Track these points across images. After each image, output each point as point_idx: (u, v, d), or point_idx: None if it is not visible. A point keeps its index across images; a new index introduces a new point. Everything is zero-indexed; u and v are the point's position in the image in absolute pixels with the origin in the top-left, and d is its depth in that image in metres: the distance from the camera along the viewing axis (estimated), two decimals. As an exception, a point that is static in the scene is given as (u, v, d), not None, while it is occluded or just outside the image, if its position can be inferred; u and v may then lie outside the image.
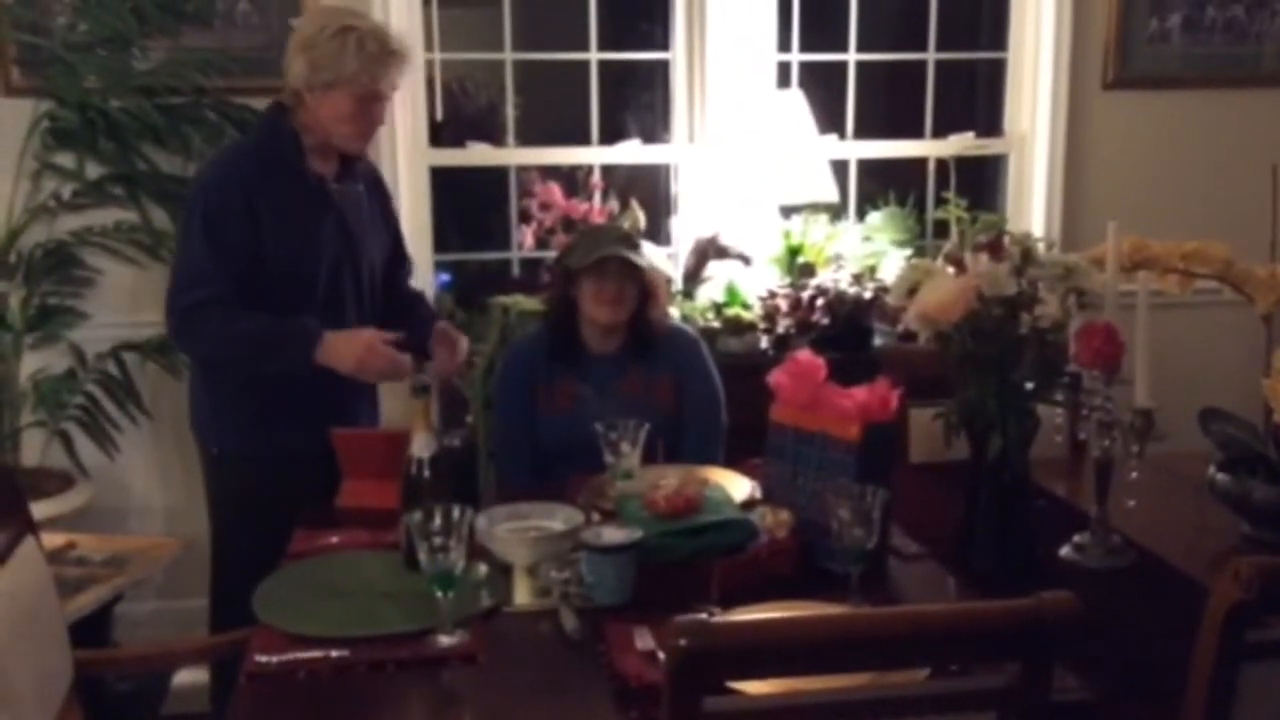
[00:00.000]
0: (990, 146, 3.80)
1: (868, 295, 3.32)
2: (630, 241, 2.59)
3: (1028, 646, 1.32)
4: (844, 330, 3.26)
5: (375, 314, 2.59)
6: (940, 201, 3.60)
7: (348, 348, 2.37)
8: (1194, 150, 3.75)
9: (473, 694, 1.64)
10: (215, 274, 2.38)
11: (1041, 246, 2.02)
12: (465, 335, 2.60)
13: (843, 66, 3.71)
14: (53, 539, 2.70)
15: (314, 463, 2.32)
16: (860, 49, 3.70)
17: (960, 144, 3.74)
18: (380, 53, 2.41)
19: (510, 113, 3.63)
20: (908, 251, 3.57)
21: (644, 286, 2.58)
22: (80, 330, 3.30)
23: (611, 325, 2.58)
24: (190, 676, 2.81)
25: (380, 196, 2.69)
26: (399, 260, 2.76)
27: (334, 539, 2.11)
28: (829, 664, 1.32)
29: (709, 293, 3.45)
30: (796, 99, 3.55)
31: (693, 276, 3.45)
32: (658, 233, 3.64)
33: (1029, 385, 1.97)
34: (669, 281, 3.31)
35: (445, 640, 1.69)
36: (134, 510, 3.39)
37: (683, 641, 1.22)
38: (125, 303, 3.34)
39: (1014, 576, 1.95)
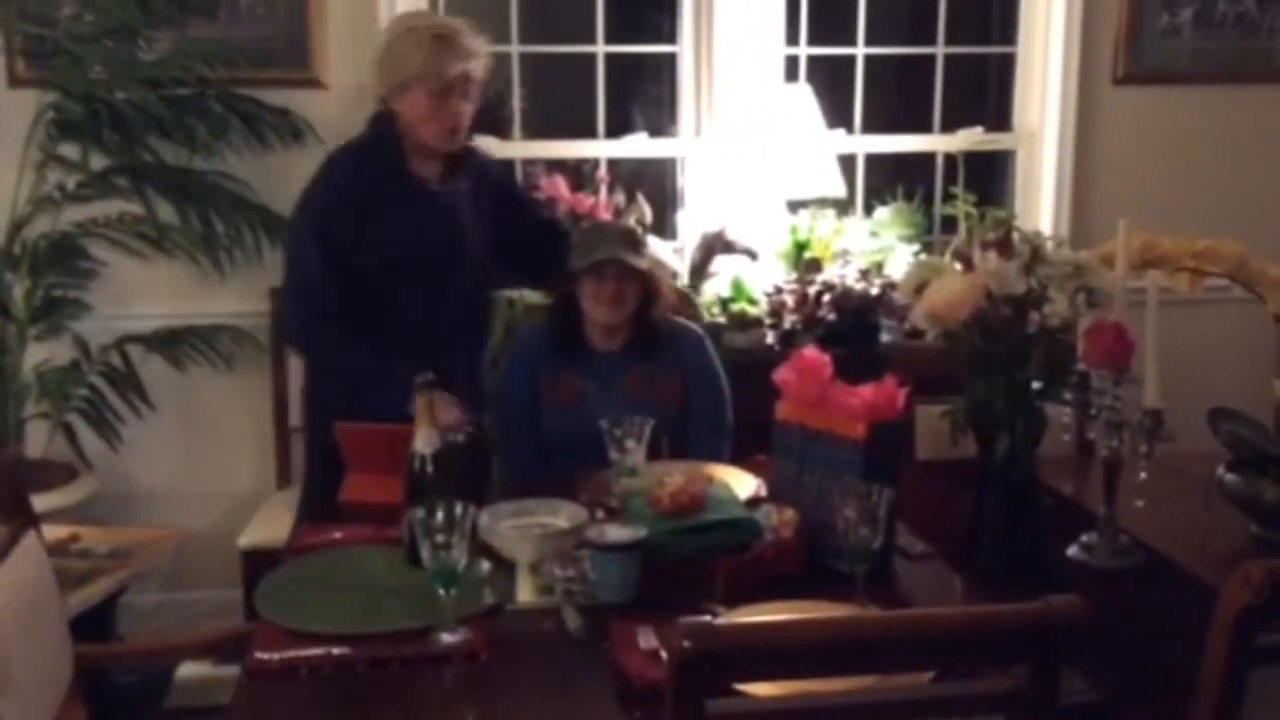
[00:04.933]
0: (999, 142, 3.78)
1: (875, 291, 3.30)
2: (632, 240, 2.58)
3: (1036, 649, 1.30)
4: (851, 326, 3.25)
5: (476, 308, 2.74)
6: (948, 197, 3.59)
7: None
8: (1205, 146, 3.73)
9: (475, 692, 1.63)
10: (327, 282, 2.51)
11: (1050, 244, 2.01)
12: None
13: (851, 60, 3.69)
14: (56, 531, 2.70)
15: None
16: (869, 43, 3.68)
17: (969, 139, 3.72)
18: (434, 43, 2.51)
19: (516, 105, 3.62)
20: (915, 247, 3.56)
21: (646, 286, 2.57)
22: (84, 322, 3.30)
23: (611, 325, 2.57)
24: (194, 670, 2.81)
25: (489, 189, 2.72)
26: (552, 237, 2.78)
27: (337, 534, 2.10)
28: (834, 666, 1.30)
29: (715, 288, 3.44)
30: (804, 93, 3.53)
31: (699, 271, 3.44)
32: (664, 227, 3.63)
33: (1037, 384, 1.95)
34: (675, 276, 3.30)
35: (447, 638, 1.69)
36: (138, 502, 3.38)
37: (686, 643, 1.21)
38: (129, 295, 3.34)
39: (1021, 576, 1.94)
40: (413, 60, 2.50)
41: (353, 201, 2.53)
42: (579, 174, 3.56)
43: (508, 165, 3.05)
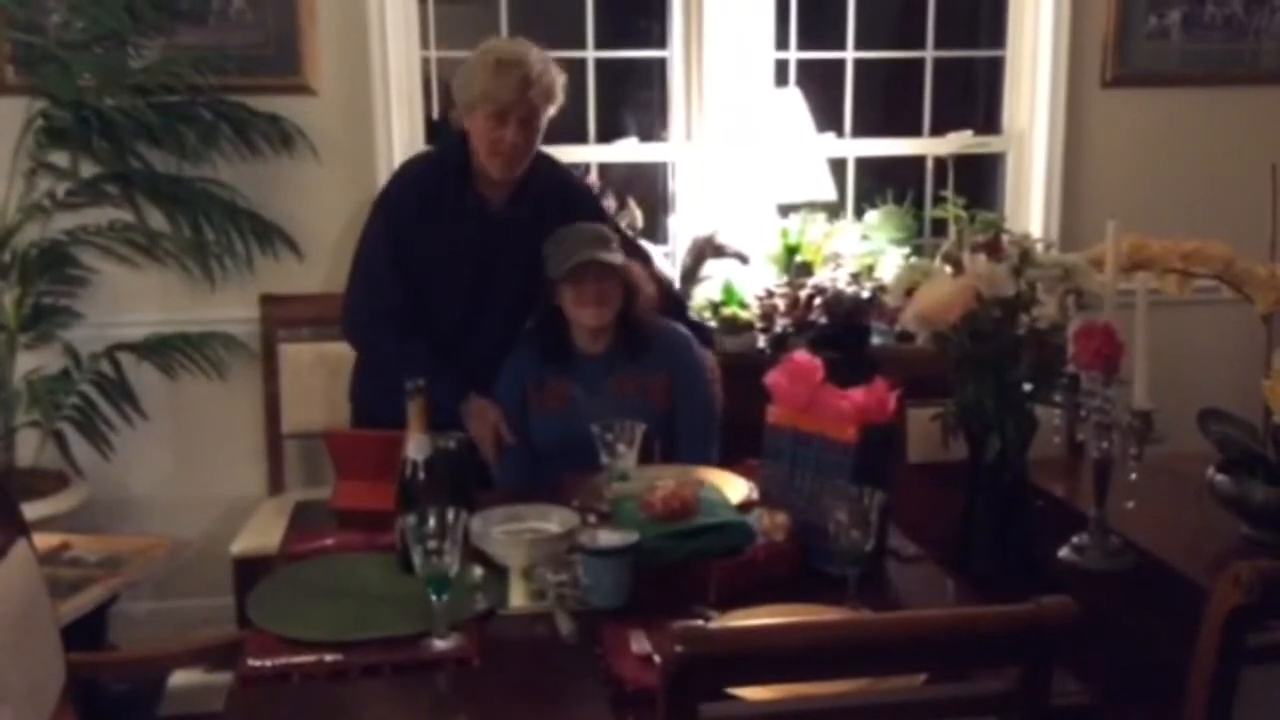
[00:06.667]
0: (989, 144, 3.79)
1: (865, 294, 3.31)
2: (603, 239, 2.57)
3: (1027, 651, 1.31)
4: (842, 329, 3.25)
5: (517, 329, 2.68)
6: (938, 200, 3.60)
7: (479, 417, 2.57)
8: (1193, 148, 3.74)
9: (467, 698, 1.63)
10: (392, 284, 2.62)
11: (1040, 246, 2.01)
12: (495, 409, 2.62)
13: (840, 64, 3.70)
14: (48, 540, 2.69)
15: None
16: (858, 47, 3.69)
17: (958, 142, 3.73)
18: (496, 67, 2.53)
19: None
20: (905, 250, 3.56)
21: (627, 283, 2.57)
22: (74, 330, 3.28)
23: (598, 327, 2.57)
24: (186, 678, 2.80)
25: (558, 211, 2.66)
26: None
27: (329, 541, 2.10)
28: (827, 670, 1.31)
29: (706, 292, 3.44)
30: (794, 97, 3.54)
31: (690, 275, 3.44)
32: (655, 231, 3.63)
33: (1027, 386, 1.96)
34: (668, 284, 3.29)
35: (440, 643, 1.68)
36: (129, 510, 3.37)
37: (679, 648, 1.21)
38: (120, 302, 3.33)
39: (1013, 578, 1.94)
40: (476, 83, 2.55)
41: (417, 204, 2.62)
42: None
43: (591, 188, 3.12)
